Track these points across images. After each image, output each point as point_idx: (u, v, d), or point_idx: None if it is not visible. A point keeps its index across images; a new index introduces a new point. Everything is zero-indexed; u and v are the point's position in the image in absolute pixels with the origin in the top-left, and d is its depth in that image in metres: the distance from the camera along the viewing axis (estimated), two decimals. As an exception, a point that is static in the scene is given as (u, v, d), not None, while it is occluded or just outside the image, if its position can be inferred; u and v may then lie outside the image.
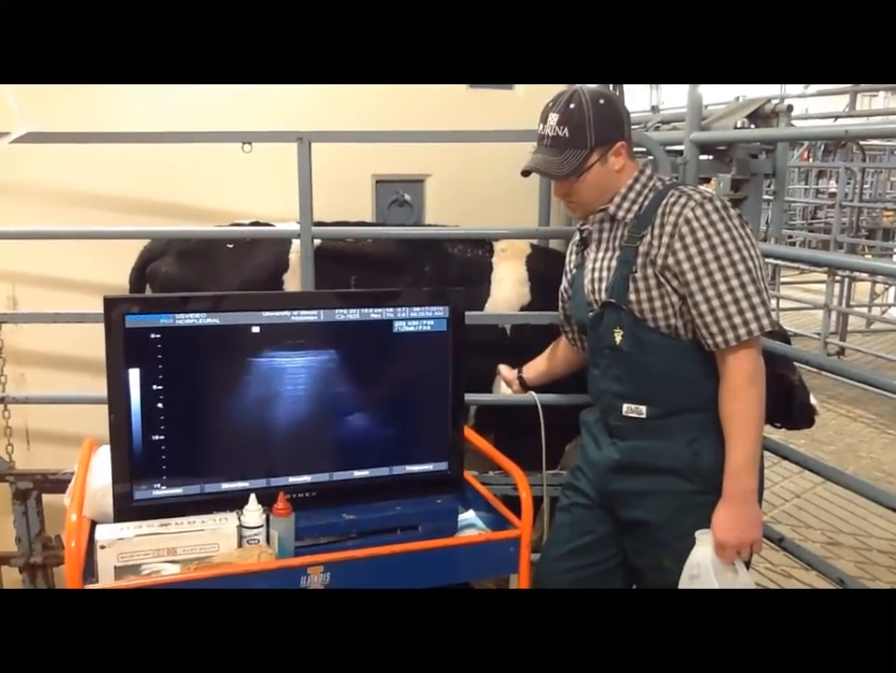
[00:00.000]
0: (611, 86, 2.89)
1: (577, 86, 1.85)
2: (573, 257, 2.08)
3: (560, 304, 2.19)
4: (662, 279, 1.79)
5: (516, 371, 2.37)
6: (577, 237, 2.07)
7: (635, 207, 1.85)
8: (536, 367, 2.35)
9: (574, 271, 2.06)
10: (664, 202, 1.79)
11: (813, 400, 2.46)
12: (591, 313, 1.94)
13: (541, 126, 1.85)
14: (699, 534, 1.75)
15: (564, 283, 2.16)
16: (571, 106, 1.80)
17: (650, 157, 2.52)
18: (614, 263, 1.87)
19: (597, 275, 1.92)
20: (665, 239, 1.77)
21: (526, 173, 1.91)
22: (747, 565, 1.79)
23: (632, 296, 1.82)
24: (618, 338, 1.86)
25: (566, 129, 1.80)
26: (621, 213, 1.86)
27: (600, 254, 1.93)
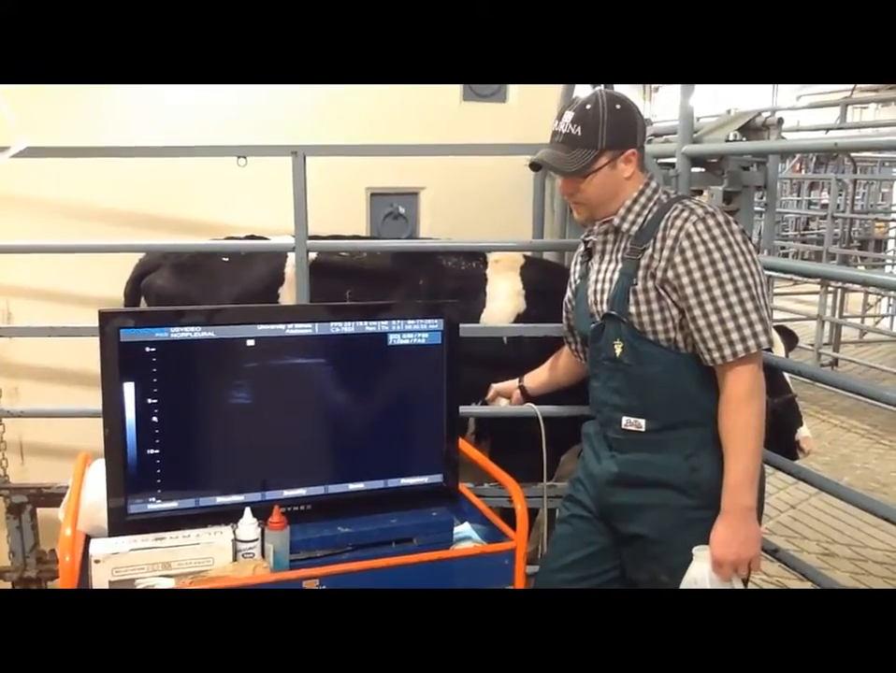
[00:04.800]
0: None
1: (598, 88, 1.86)
2: (577, 267, 2.09)
3: (564, 314, 2.19)
4: (662, 293, 1.79)
5: (516, 381, 2.38)
6: (582, 248, 2.08)
7: (639, 220, 1.86)
8: (538, 377, 2.36)
9: (578, 282, 2.07)
10: (667, 215, 1.80)
11: (805, 432, 2.44)
12: (593, 325, 1.95)
13: (556, 123, 1.86)
14: (696, 550, 1.75)
15: (568, 293, 2.15)
16: (588, 106, 1.81)
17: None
18: (615, 275, 1.88)
19: (599, 286, 1.93)
20: (666, 253, 1.78)
21: (534, 167, 1.93)
22: (746, 581, 1.79)
23: (632, 309, 1.82)
24: (618, 351, 1.86)
25: (579, 128, 1.81)
26: (625, 225, 1.87)
27: (604, 266, 1.94)
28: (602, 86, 1.95)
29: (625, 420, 1.87)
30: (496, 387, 2.43)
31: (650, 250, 1.81)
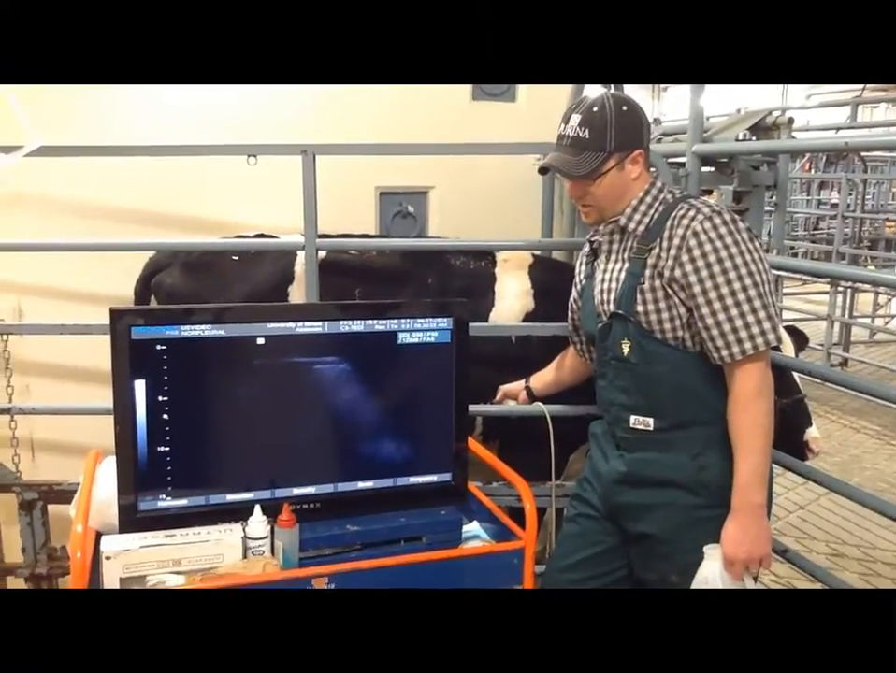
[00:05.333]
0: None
1: (603, 91, 1.86)
2: (583, 268, 2.09)
3: (570, 314, 2.20)
4: (670, 291, 1.79)
5: (523, 382, 2.38)
6: (587, 248, 2.08)
7: (645, 220, 1.86)
8: (543, 378, 2.36)
9: (584, 282, 2.07)
10: (673, 214, 1.80)
11: (813, 433, 2.42)
12: (599, 324, 1.95)
13: (563, 126, 1.86)
14: (707, 549, 1.75)
15: (574, 294, 2.16)
16: (594, 109, 1.81)
17: (652, 169, 2.54)
18: (622, 274, 1.88)
19: (606, 286, 1.93)
20: (673, 252, 1.78)
21: (543, 171, 1.93)
22: (754, 578, 1.79)
23: (640, 308, 1.82)
24: (625, 350, 1.86)
25: (586, 130, 1.80)
26: (632, 225, 1.87)
27: (610, 265, 1.94)
28: (612, 87, 1.95)
29: (633, 419, 1.87)
30: (503, 388, 2.43)
31: (657, 250, 1.81)
